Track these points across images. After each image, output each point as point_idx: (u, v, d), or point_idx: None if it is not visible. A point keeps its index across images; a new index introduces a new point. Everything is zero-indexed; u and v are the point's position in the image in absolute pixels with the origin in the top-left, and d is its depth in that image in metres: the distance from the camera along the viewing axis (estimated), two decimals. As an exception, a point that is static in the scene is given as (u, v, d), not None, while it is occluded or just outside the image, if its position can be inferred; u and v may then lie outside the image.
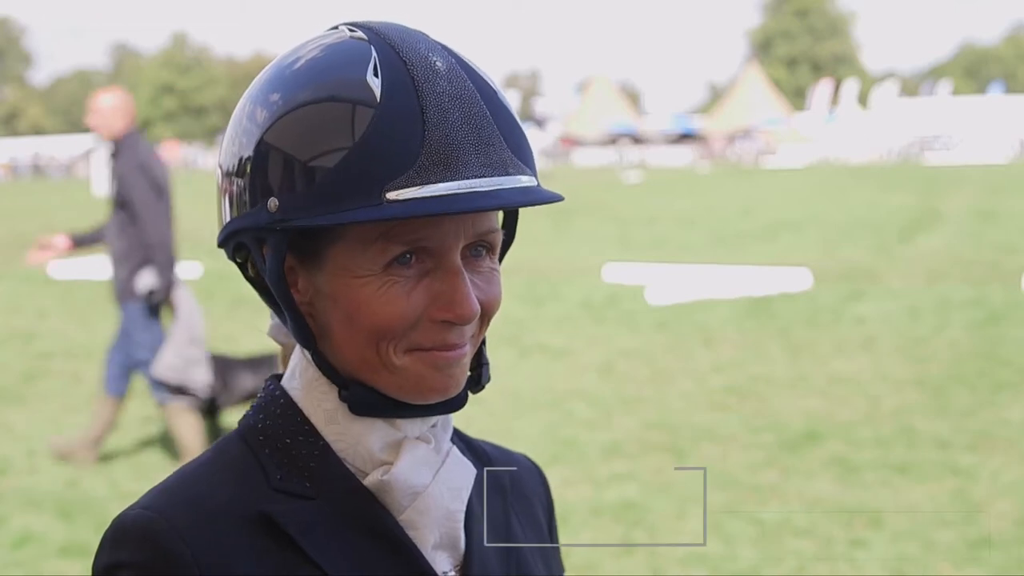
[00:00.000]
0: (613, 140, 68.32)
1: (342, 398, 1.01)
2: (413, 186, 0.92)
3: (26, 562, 5.03)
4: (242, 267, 1.06)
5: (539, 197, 0.98)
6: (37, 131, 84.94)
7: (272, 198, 0.96)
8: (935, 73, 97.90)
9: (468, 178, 0.94)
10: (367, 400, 1.00)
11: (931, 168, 45.26)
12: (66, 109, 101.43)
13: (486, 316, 1.02)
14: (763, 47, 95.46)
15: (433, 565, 1.03)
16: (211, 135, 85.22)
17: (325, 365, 1.01)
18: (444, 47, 1.00)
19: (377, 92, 0.94)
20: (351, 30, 1.01)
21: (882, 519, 5.28)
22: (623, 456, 6.44)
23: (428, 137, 0.93)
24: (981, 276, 13.12)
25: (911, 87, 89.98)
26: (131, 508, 0.99)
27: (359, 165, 0.93)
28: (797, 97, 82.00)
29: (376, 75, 0.95)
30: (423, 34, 1.01)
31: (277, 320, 1.09)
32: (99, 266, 14.91)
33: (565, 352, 9.47)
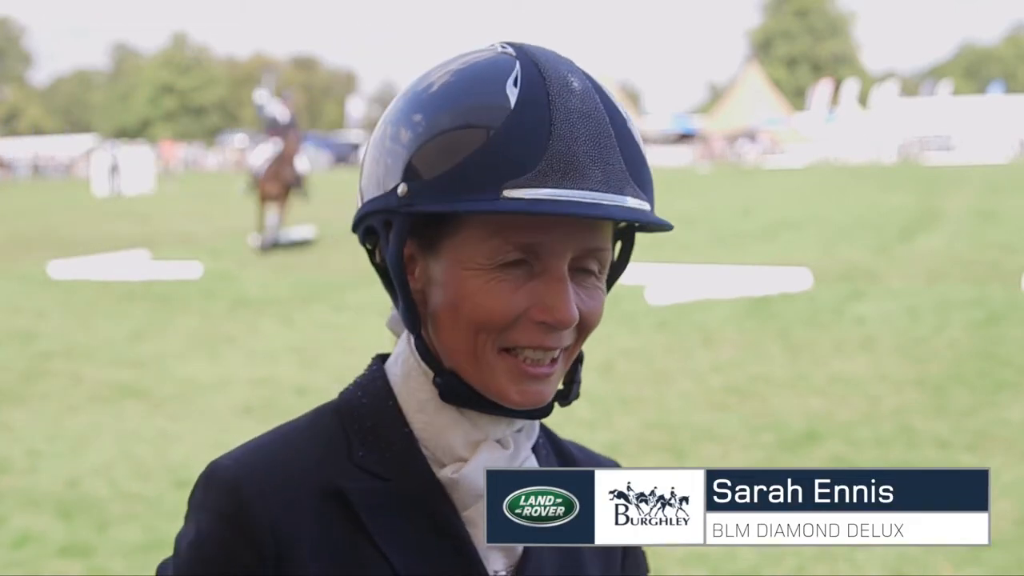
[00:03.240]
0: (613, 140, 68.17)
1: (435, 383, 1.06)
2: (531, 187, 0.98)
3: (26, 562, 5.03)
4: (371, 255, 1.13)
5: (650, 219, 1.04)
6: (37, 131, 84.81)
7: (403, 184, 1.03)
8: (935, 73, 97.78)
9: (585, 189, 0.99)
10: (456, 390, 1.05)
11: (931, 168, 45.26)
12: (66, 109, 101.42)
13: (584, 329, 1.08)
14: (763, 47, 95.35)
15: (486, 564, 1.07)
16: (211, 135, 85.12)
17: (425, 350, 1.07)
18: (586, 74, 1.06)
19: (512, 100, 1.00)
20: (503, 48, 1.07)
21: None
22: (623, 456, 6.43)
23: (552, 146, 0.99)
24: (981, 276, 13.12)
25: (911, 87, 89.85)
26: (227, 457, 1.07)
27: (484, 162, 0.99)
28: (797, 97, 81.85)
29: (515, 85, 1.01)
30: (570, 60, 1.07)
31: (396, 312, 1.14)
32: (99, 266, 14.93)
33: (565, 352, 9.46)
